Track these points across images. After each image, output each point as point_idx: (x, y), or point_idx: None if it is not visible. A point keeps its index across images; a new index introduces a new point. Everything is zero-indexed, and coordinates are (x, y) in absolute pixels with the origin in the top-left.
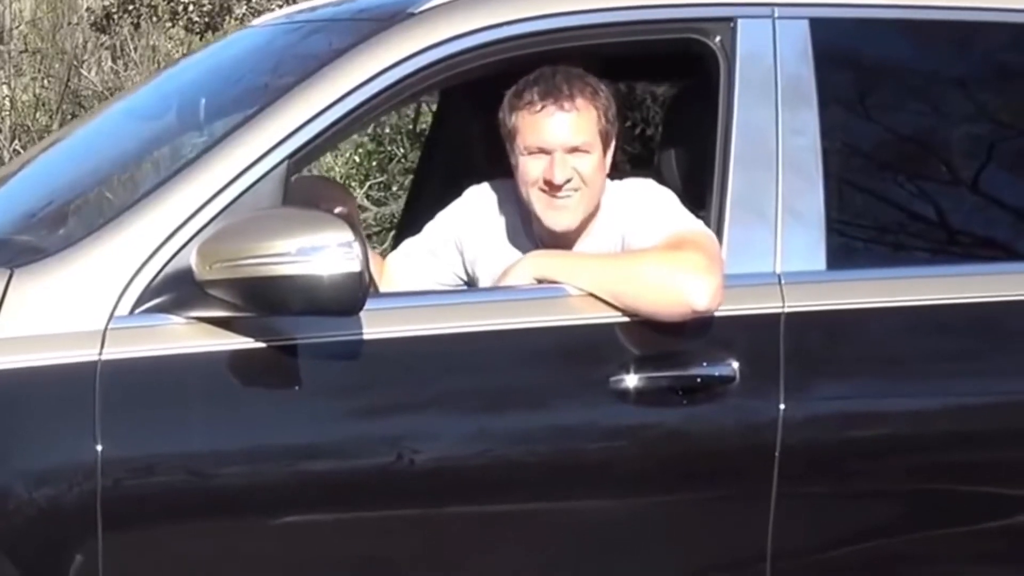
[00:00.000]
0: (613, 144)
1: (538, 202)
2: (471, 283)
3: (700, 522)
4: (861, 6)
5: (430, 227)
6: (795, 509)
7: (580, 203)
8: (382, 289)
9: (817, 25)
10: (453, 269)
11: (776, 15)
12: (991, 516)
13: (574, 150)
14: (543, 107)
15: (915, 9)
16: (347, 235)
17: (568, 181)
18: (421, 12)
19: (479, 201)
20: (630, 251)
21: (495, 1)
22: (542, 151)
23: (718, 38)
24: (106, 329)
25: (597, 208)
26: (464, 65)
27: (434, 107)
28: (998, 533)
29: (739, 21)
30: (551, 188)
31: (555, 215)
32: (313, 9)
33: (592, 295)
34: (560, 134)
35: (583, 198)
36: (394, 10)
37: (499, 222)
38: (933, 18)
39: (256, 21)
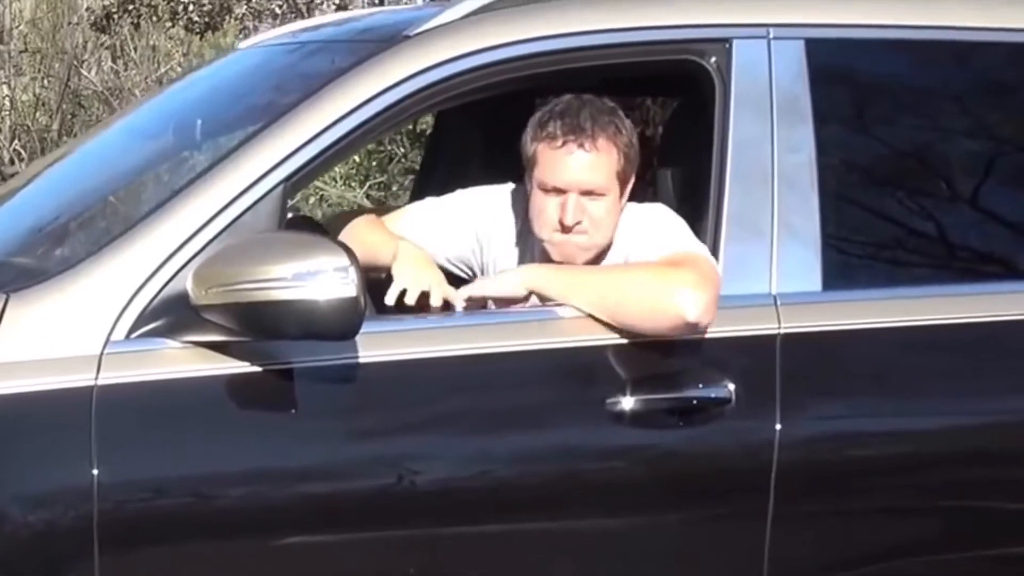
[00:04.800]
0: (632, 180)
1: (548, 238)
2: (482, 274)
3: (697, 542)
4: (856, 27)
5: (458, 201)
6: (792, 529)
7: (589, 244)
8: (396, 233)
9: (812, 45)
10: (465, 255)
11: (771, 36)
12: (988, 535)
13: (589, 193)
14: (564, 144)
15: (909, 29)
16: (343, 260)
17: (578, 223)
18: (417, 34)
19: (507, 204)
20: (622, 265)
21: (491, 23)
22: (557, 190)
23: (713, 59)
24: (102, 354)
25: (611, 244)
26: (460, 87)
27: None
28: (995, 551)
29: (734, 42)
30: (562, 228)
31: (563, 255)
32: (313, 29)
33: (585, 313)
34: (577, 175)
35: (592, 240)
36: (390, 32)
37: (519, 230)
38: (927, 38)
39: (255, 39)
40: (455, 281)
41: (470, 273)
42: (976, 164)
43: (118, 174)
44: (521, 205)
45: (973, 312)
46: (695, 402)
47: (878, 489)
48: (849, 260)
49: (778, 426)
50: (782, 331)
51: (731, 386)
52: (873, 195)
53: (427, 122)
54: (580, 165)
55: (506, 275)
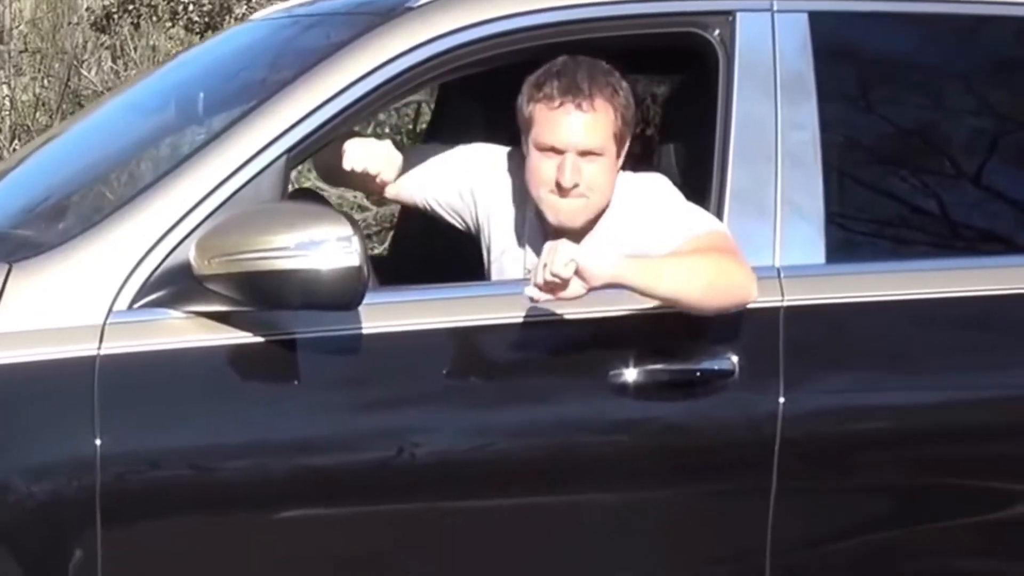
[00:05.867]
0: (627, 143)
1: (544, 200)
2: (476, 233)
3: (700, 515)
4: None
5: (457, 153)
6: (795, 502)
7: (585, 208)
8: (392, 169)
9: (816, 18)
10: (457, 204)
11: (775, 8)
12: (991, 509)
13: (586, 153)
14: (561, 104)
15: (914, 2)
16: (346, 229)
17: (575, 186)
18: (420, 6)
19: (504, 164)
20: (681, 255)
21: None
22: (554, 150)
23: (717, 32)
24: (105, 323)
25: (607, 205)
26: (463, 60)
27: (433, 104)
28: (998, 526)
29: (738, 15)
30: (559, 189)
31: (559, 216)
32: (312, 3)
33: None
34: (574, 135)
35: (588, 203)
36: (392, 4)
37: (517, 193)
38: (933, 11)
39: (255, 15)
40: (454, 234)
41: (463, 224)
42: (981, 140)
43: (120, 147)
44: (519, 167)
45: (976, 286)
46: (698, 374)
47: (881, 462)
48: (852, 235)
49: (781, 398)
50: (785, 303)
51: (734, 358)
52: (877, 170)
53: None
54: (577, 125)
55: (599, 263)
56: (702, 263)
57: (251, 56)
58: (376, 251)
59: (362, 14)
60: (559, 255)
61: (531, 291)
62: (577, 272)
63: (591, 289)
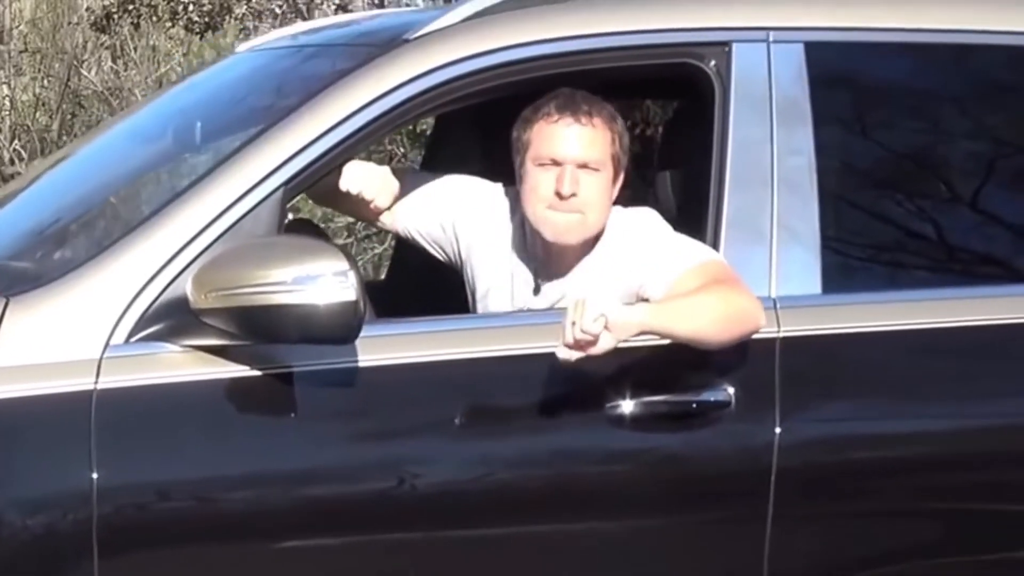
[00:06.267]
0: (622, 176)
1: (541, 217)
2: (459, 268)
3: (697, 545)
4: (856, 30)
5: (444, 184)
6: (791, 532)
7: (581, 224)
8: (387, 196)
9: (812, 48)
10: (438, 236)
11: (771, 39)
12: (988, 538)
13: (585, 166)
14: (560, 118)
15: (909, 32)
16: (342, 264)
17: (574, 195)
18: (418, 38)
19: (491, 200)
20: (692, 293)
21: (492, 27)
22: (554, 162)
23: (713, 62)
24: (102, 358)
25: (601, 232)
26: (461, 91)
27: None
28: (996, 554)
29: (734, 45)
30: (558, 199)
31: (556, 230)
32: (313, 32)
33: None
34: (574, 147)
35: (584, 220)
36: (390, 36)
37: (502, 230)
38: (927, 41)
39: (254, 41)
40: (440, 268)
41: (444, 257)
42: (976, 167)
43: (117, 177)
44: (504, 204)
45: (973, 315)
46: (695, 406)
47: (878, 492)
48: (849, 263)
49: (777, 429)
50: (781, 334)
51: (730, 389)
52: (873, 198)
53: (427, 122)
54: (577, 137)
55: (627, 316)
56: (711, 299)
57: (250, 86)
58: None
59: (361, 45)
60: (588, 311)
61: (563, 352)
62: (606, 326)
63: (620, 341)
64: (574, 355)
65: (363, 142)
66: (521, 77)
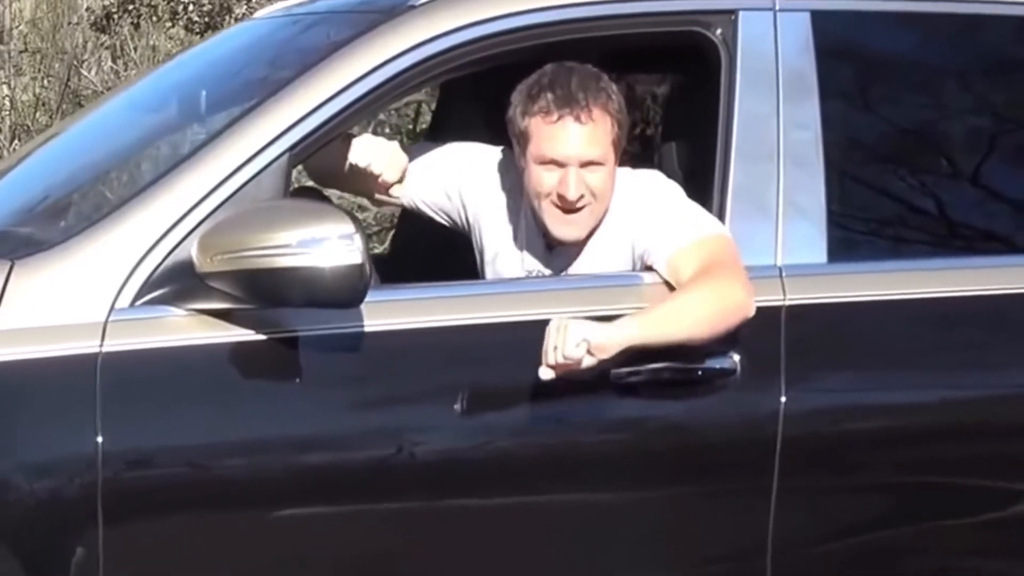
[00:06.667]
0: (623, 144)
1: (548, 213)
2: (467, 233)
3: (701, 514)
4: None
5: (448, 152)
6: (796, 501)
7: (591, 216)
8: (395, 171)
9: (818, 17)
10: (444, 204)
11: (777, 7)
12: (992, 508)
13: (588, 164)
14: (559, 118)
15: (917, 2)
16: (348, 227)
17: (581, 197)
18: (422, 4)
19: (497, 167)
20: (681, 292)
21: None
22: (555, 163)
23: (719, 31)
24: (107, 321)
25: (606, 210)
26: (464, 58)
27: (434, 104)
28: (999, 525)
29: (740, 13)
30: (564, 202)
31: (565, 228)
32: (313, 1)
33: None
34: (576, 148)
35: (594, 211)
36: (394, 2)
37: (509, 194)
38: (935, 11)
39: (257, 14)
40: (454, 233)
41: (451, 224)
42: (983, 139)
43: (122, 145)
44: (510, 167)
45: (977, 285)
46: (699, 373)
47: (882, 460)
48: (854, 234)
49: (783, 397)
50: (787, 303)
51: (736, 357)
52: (879, 169)
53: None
54: (578, 138)
55: (612, 336)
56: (702, 295)
57: (253, 54)
58: (376, 251)
59: (364, 12)
60: (569, 336)
61: (544, 372)
62: (588, 349)
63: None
64: (554, 374)
65: (369, 107)
66: (526, 44)
